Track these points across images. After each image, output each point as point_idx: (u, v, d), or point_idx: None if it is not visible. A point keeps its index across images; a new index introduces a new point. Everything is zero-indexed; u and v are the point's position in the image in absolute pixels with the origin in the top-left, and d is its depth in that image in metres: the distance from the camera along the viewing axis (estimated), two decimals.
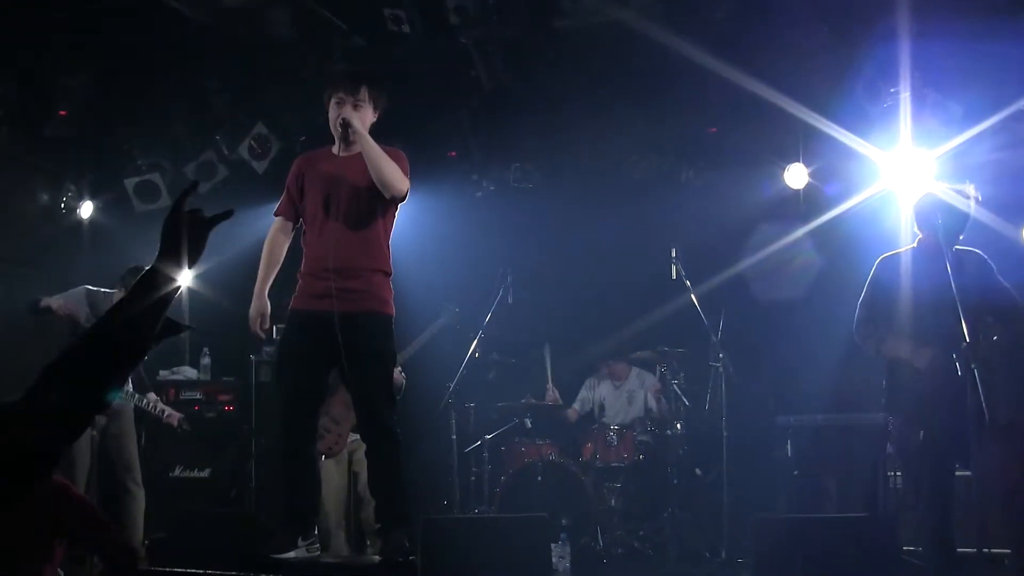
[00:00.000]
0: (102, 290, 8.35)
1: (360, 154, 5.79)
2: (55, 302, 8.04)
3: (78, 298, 8.21)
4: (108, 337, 2.36)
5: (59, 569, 4.53)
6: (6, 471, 2.22)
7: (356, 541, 8.51)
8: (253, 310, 5.91)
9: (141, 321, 2.37)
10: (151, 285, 2.38)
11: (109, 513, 7.71)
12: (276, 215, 6.08)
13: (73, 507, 4.43)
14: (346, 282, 5.74)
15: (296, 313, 5.89)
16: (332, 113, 5.89)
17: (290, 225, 6.05)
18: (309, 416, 5.90)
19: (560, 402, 9.88)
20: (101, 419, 8.13)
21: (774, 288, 9.60)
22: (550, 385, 9.83)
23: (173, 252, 2.43)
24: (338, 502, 8.35)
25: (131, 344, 2.38)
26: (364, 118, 5.87)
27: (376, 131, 5.96)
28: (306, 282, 5.89)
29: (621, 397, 9.86)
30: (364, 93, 5.87)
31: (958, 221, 6.28)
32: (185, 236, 2.44)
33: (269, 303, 5.95)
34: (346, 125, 5.77)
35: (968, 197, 6.37)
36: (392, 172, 5.72)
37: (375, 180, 5.71)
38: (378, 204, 5.82)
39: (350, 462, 8.47)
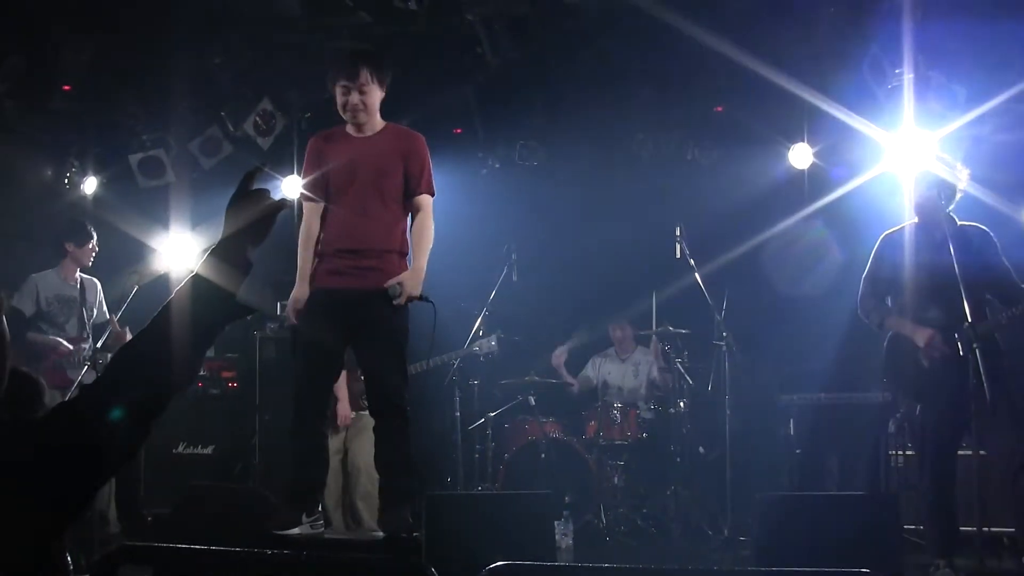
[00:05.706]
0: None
1: (377, 135, 5.90)
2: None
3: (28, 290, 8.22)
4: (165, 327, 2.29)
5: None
6: (91, 456, 2.17)
7: (355, 518, 8.46)
8: (298, 293, 5.94)
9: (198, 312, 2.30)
10: (213, 266, 2.32)
11: None
12: (306, 200, 6.05)
13: None
14: (361, 260, 5.82)
15: (312, 290, 5.93)
16: (339, 100, 5.91)
17: (321, 205, 6.00)
18: (322, 392, 5.97)
19: (563, 368, 9.94)
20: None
21: (781, 269, 9.61)
22: (565, 347, 9.94)
23: (239, 232, 2.37)
24: (332, 479, 8.25)
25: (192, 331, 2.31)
26: (372, 101, 5.90)
27: (382, 108, 5.97)
28: (322, 260, 5.95)
29: (627, 370, 9.88)
30: (365, 75, 5.87)
31: (949, 195, 6.32)
32: (252, 216, 2.38)
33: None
34: None
35: (956, 169, 6.38)
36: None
37: None
38: (394, 185, 5.87)
39: (344, 439, 8.36)
